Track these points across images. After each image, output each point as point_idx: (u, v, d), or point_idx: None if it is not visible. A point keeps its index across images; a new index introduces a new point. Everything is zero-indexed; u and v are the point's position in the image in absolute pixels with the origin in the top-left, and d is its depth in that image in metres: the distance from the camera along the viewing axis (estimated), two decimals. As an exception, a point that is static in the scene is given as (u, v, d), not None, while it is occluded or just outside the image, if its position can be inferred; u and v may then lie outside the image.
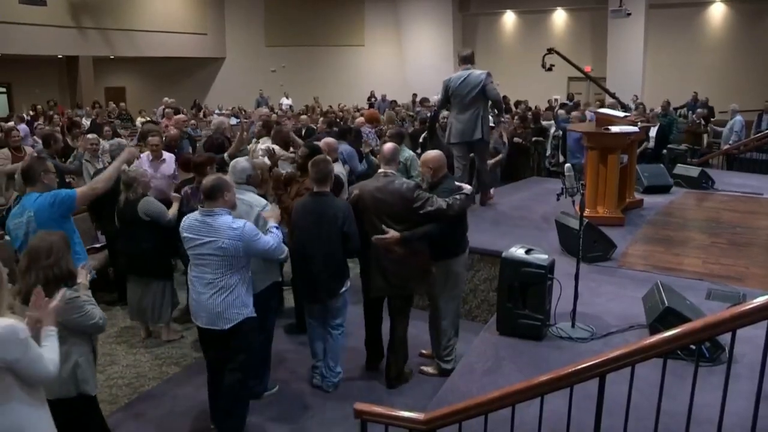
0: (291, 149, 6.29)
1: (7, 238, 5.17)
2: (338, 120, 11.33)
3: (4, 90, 19.53)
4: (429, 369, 4.43)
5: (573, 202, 3.87)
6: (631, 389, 2.27)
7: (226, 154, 5.55)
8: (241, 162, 4.15)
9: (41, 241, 2.79)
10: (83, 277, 2.92)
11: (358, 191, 4.19)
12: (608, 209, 5.87)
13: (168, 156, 6.22)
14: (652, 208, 6.66)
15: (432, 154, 4.29)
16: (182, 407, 4.14)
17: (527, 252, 3.80)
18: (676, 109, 16.07)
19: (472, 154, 6.53)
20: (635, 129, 6.00)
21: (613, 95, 9.96)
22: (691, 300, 3.71)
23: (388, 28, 22.68)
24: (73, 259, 2.99)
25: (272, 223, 3.74)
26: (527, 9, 21.50)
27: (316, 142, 5.61)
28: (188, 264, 3.73)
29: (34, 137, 9.65)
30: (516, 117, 10.78)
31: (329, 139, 5.72)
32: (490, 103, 6.24)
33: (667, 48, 19.19)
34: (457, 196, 3.99)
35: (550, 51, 8.51)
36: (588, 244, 4.54)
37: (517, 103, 15.12)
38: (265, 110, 11.24)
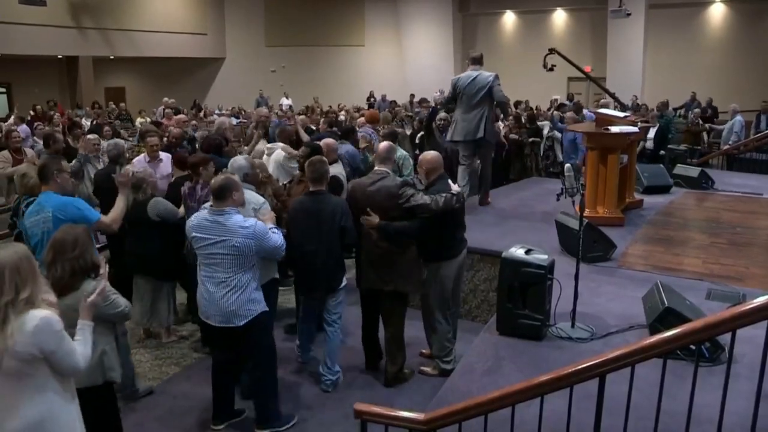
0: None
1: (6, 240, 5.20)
2: (338, 120, 11.31)
3: (3, 90, 19.53)
4: (429, 369, 4.43)
5: (573, 202, 3.87)
6: (631, 389, 2.27)
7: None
8: (239, 160, 4.23)
9: (66, 234, 2.85)
10: (103, 268, 2.99)
11: (351, 187, 4.29)
12: (608, 209, 5.87)
13: (165, 156, 6.22)
14: (652, 208, 6.66)
15: (428, 155, 4.33)
16: (183, 407, 4.14)
17: (527, 252, 3.80)
18: (675, 109, 16.09)
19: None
20: (635, 129, 6.01)
21: (613, 95, 9.97)
22: (691, 300, 3.71)
23: (388, 28, 22.68)
24: None
25: (269, 224, 3.75)
26: (527, 9, 21.50)
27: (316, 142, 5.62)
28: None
29: (34, 138, 9.66)
30: (510, 117, 10.77)
31: (329, 140, 5.74)
32: (495, 104, 6.37)
33: (667, 48, 19.19)
34: (442, 194, 4.00)
35: (552, 51, 8.52)
36: (588, 244, 4.54)
37: (517, 103, 15.11)
38: (264, 110, 11.20)
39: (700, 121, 12.81)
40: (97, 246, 6.01)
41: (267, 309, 3.72)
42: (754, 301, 1.98)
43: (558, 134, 9.73)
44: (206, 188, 4.60)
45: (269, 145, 6.50)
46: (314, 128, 8.75)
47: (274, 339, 3.91)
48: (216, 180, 3.64)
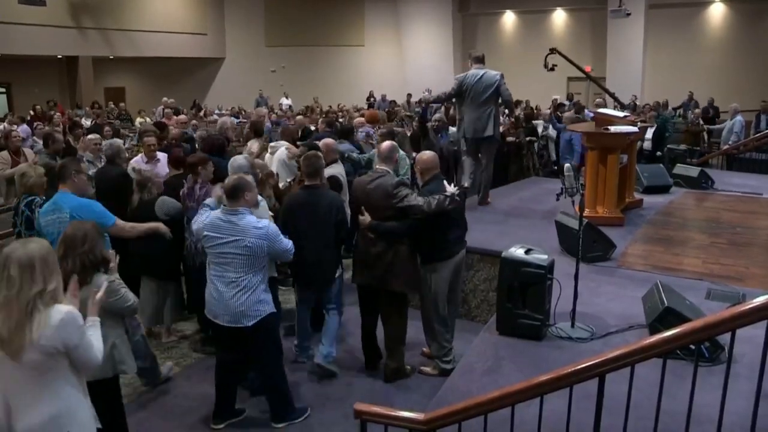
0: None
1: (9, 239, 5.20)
2: (338, 120, 11.31)
3: (3, 90, 19.53)
4: (428, 369, 4.43)
5: (573, 202, 3.87)
6: (630, 389, 2.27)
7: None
8: (239, 159, 4.27)
9: (76, 229, 2.92)
10: (113, 261, 3.03)
11: (353, 185, 4.34)
12: (608, 209, 5.87)
13: (162, 156, 6.23)
14: (652, 208, 6.66)
15: (424, 155, 4.36)
16: (183, 406, 4.14)
17: (527, 252, 3.80)
18: (675, 109, 16.09)
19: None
20: (634, 129, 6.01)
21: (612, 95, 9.98)
22: (691, 300, 3.71)
23: (388, 28, 22.68)
24: None
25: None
26: (527, 9, 21.50)
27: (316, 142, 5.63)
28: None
29: (34, 138, 9.65)
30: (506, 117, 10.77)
31: (328, 140, 5.74)
32: (500, 102, 6.51)
33: (667, 48, 19.20)
34: (436, 196, 4.00)
35: (553, 51, 8.54)
36: (588, 244, 4.54)
37: (517, 103, 15.10)
38: (264, 110, 11.21)
39: (701, 122, 12.81)
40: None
41: (275, 310, 3.76)
42: (754, 301, 1.98)
43: (552, 134, 9.73)
44: (204, 188, 4.62)
45: (272, 144, 6.49)
46: (313, 128, 8.74)
47: (280, 339, 3.96)
48: (229, 180, 3.67)
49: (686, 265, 4.86)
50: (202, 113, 16.57)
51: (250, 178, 3.79)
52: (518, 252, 3.80)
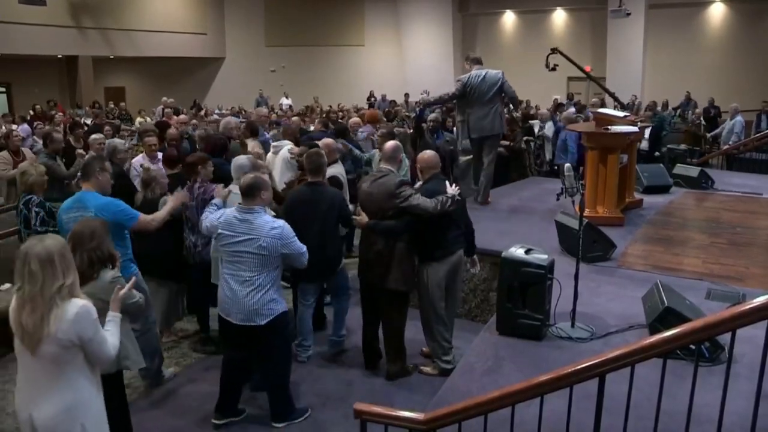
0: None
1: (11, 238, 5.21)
2: (339, 120, 11.30)
3: (3, 90, 19.52)
4: (428, 369, 4.43)
5: (573, 202, 3.87)
6: (630, 389, 2.27)
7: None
8: (240, 159, 4.30)
9: (84, 227, 2.99)
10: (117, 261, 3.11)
11: (359, 184, 4.43)
12: (608, 209, 5.87)
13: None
14: (652, 208, 6.66)
15: (425, 154, 4.38)
16: (183, 405, 4.14)
17: (527, 252, 3.80)
18: (675, 109, 16.09)
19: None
20: (635, 129, 6.01)
21: (613, 95, 9.97)
22: (691, 300, 3.72)
23: (388, 28, 22.68)
24: (124, 266, 3.45)
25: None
26: (527, 9, 21.50)
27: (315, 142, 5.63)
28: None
29: (34, 137, 9.65)
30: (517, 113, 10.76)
31: (329, 140, 5.74)
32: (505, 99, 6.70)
33: (667, 48, 19.19)
34: (440, 198, 4.03)
35: (554, 51, 8.53)
36: (588, 244, 4.54)
37: (519, 103, 15.07)
38: (264, 110, 11.19)
39: (702, 121, 12.79)
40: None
41: (286, 309, 3.79)
42: (754, 301, 1.98)
43: (549, 134, 9.74)
44: (203, 187, 4.63)
45: (275, 144, 6.49)
46: (311, 128, 8.74)
47: (289, 338, 3.99)
48: (246, 178, 3.70)
49: (686, 265, 4.85)
50: (202, 113, 16.58)
51: (266, 176, 3.81)
52: (518, 252, 3.80)
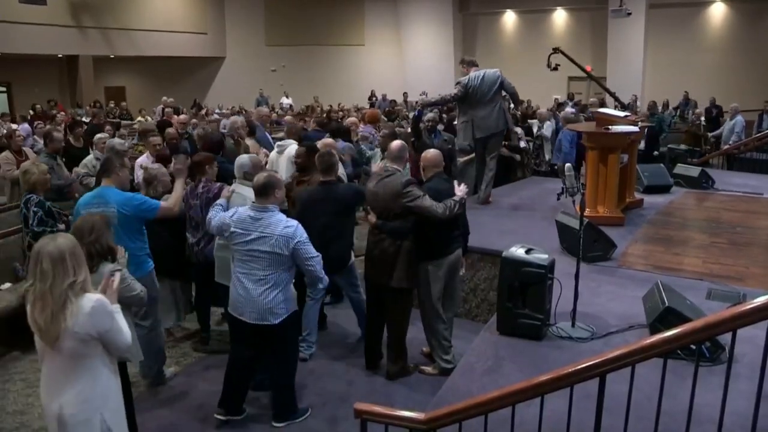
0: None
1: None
2: (339, 120, 11.29)
3: (4, 89, 19.52)
4: (429, 369, 4.43)
5: (573, 201, 3.87)
6: (631, 389, 2.26)
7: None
8: (243, 158, 4.30)
9: (84, 221, 3.06)
10: (123, 255, 3.17)
11: (366, 183, 4.46)
12: (608, 209, 5.87)
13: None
14: (652, 207, 6.66)
15: (429, 153, 4.40)
16: (183, 405, 4.14)
17: (527, 251, 3.80)
18: (675, 108, 16.08)
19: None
20: (635, 129, 6.01)
21: (613, 95, 9.96)
22: (692, 300, 3.71)
23: (388, 27, 22.69)
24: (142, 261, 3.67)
25: None
26: (527, 9, 21.50)
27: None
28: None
29: (34, 137, 9.65)
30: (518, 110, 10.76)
31: (329, 140, 5.74)
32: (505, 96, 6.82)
33: (667, 48, 19.19)
34: (448, 202, 4.05)
35: (556, 50, 8.52)
36: (588, 244, 4.54)
37: (521, 103, 15.06)
38: (266, 110, 11.17)
39: (702, 121, 12.78)
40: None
41: (297, 308, 3.79)
42: (755, 301, 1.98)
43: (547, 134, 9.75)
44: (207, 186, 4.63)
45: (280, 143, 6.49)
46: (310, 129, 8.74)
47: (297, 337, 4.02)
48: (260, 177, 3.69)
49: (687, 265, 4.85)
50: (203, 112, 16.57)
51: (279, 175, 3.82)
52: (519, 252, 3.79)
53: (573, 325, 3.76)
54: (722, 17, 19.07)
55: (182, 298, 5.16)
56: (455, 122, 8.79)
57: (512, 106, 8.69)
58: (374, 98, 20.34)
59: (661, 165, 8.32)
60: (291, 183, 5.37)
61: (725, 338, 2.88)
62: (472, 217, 4.58)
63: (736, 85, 17.35)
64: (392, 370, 4.35)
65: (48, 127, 9.10)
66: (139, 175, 5.80)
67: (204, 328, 5.08)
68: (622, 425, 2.35)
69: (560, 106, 13.25)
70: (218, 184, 4.65)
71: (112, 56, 19.91)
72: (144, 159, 6.24)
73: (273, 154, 6.22)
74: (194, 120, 11.37)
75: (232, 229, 3.63)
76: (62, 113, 13.60)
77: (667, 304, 3.38)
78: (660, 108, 14.01)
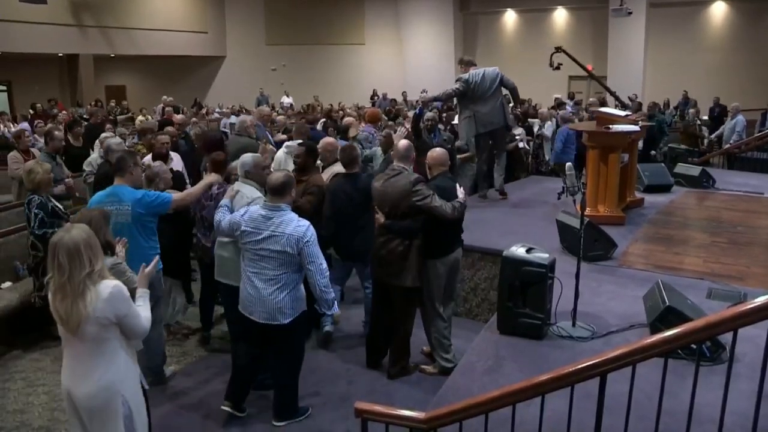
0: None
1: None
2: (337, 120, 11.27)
3: (4, 88, 19.53)
4: (429, 368, 4.43)
5: (574, 201, 3.87)
6: (632, 388, 2.26)
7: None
8: (245, 157, 4.30)
9: (82, 216, 3.15)
10: (121, 249, 3.26)
11: (372, 182, 4.45)
12: (609, 208, 5.86)
13: (175, 155, 6.24)
14: (653, 207, 6.65)
15: (435, 152, 4.43)
16: (183, 404, 4.15)
17: (528, 251, 3.79)
18: (675, 108, 16.06)
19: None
20: (635, 128, 6.00)
21: (614, 94, 9.97)
22: (692, 299, 3.71)
23: (389, 26, 22.68)
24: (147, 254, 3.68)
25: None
26: (528, 8, 21.49)
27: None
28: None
29: (35, 135, 9.63)
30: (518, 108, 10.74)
31: (330, 139, 5.74)
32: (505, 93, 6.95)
33: (668, 47, 19.18)
34: (455, 203, 4.08)
35: (558, 50, 8.53)
36: (589, 243, 4.53)
37: (522, 102, 15.04)
38: (267, 109, 11.15)
39: (698, 121, 12.76)
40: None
41: (305, 308, 3.79)
42: (755, 300, 1.98)
43: (547, 133, 9.75)
44: (222, 187, 4.64)
45: (289, 143, 6.49)
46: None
47: (304, 337, 4.05)
48: (278, 176, 3.68)
49: (687, 265, 4.85)
50: (203, 112, 16.56)
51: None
52: (519, 251, 3.79)
53: (573, 324, 3.75)
54: (723, 16, 19.06)
55: (180, 297, 5.16)
56: (454, 122, 8.81)
57: (512, 104, 8.72)
58: (376, 97, 20.33)
59: (662, 164, 8.32)
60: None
61: (726, 338, 2.88)
62: (472, 216, 4.59)
63: (737, 85, 17.34)
64: (392, 371, 4.36)
65: (50, 125, 9.09)
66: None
67: (206, 327, 5.08)
68: (622, 425, 2.35)
69: (561, 105, 13.23)
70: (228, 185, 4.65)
71: (112, 55, 19.91)
72: (148, 159, 6.25)
73: (280, 152, 6.21)
74: (194, 119, 11.35)
75: (243, 227, 3.62)
76: (64, 112, 13.58)
77: (667, 304, 3.38)
78: (661, 106, 13.98)
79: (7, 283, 5.38)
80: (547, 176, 8.97)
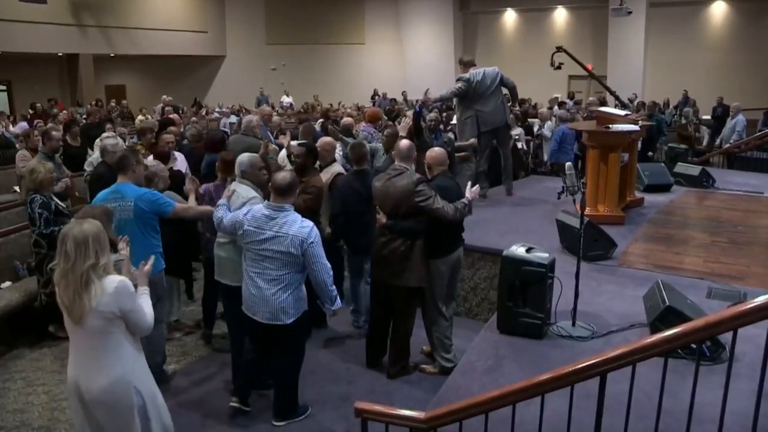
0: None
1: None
2: (335, 119, 11.26)
3: (4, 88, 19.53)
4: (429, 368, 4.43)
5: (574, 200, 3.87)
6: (632, 388, 2.26)
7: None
8: (243, 157, 4.30)
9: (86, 213, 3.17)
10: (123, 247, 3.23)
11: (372, 182, 4.43)
12: (609, 208, 5.86)
13: (179, 155, 6.24)
14: (653, 206, 6.65)
15: (434, 151, 4.42)
16: (183, 404, 4.14)
17: (528, 250, 3.79)
18: (675, 107, 16.05)
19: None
20: (635, 127, 6.00)
21: (614, 93, 9.96)
22: (692, 299, 3.71)
23: (389, 26, 22.68)
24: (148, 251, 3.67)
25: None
26: (528, 7, 21.49)
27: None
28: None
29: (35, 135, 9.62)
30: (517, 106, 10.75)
31: (328, 139, 5.72)
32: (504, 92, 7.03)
33: (668, 47, 19.18)
34: (458, 204, 4.07)
35: (559, 49, 8.52)
36: (588, 243, 4.53)
37: (521, 102, 15.05)
38: (268, 109, 11.13)
39: (695, 120, 12.75)
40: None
41: (307, 308, 3.79)
42: (755, 300, 1.98)
43: (547, 133, 9.75)
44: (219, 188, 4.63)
45: (294, 143, 6.49)
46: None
47: (305, 337, 4.05)
48: (284, 176, 3.67)
49: (687, 264, 4.85)
50: (204, 111, 16.57)
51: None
52: (519, 251, 3.79)
53: (573, 324, 3.75)
54: (723, 16, 19.05)
55: (178, 295, 5.16)
56: (452, 121, 8.81)
57: (510, 103, 8.73)
58: (377, 97, 20.33)
59: (662, 164, 8.31)
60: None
61: (726, 337, 2.88)
62: (472, 215, 4.56)
63: (737, 84, 17.33)
64: (392, 370, 4.36)
65: (50, 125, 9.09)
66: None
67: (208, 325, 5.09)
68: (622, 424, 2.35)
69: (560, 105, 13.23)
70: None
71: (112, 55, 19.90)
72: (151, 159, 6.25)
73: (283, 153, 6.21)
74: (194, 118, 11.36)
75: (246, 227, 3.61)
76: (64, 112, 13.57)
77: (667, 303, 3.38)
78: (661, 106, 13.97)
79: (7, 283, 5.38)
80: (547, 176, 8.97)
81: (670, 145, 10.41)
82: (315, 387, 4.29)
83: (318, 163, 5.24)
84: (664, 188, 7.41)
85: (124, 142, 8.11)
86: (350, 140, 6.54)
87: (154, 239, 4.07)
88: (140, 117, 14.67)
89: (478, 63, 7.08)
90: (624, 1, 17.39)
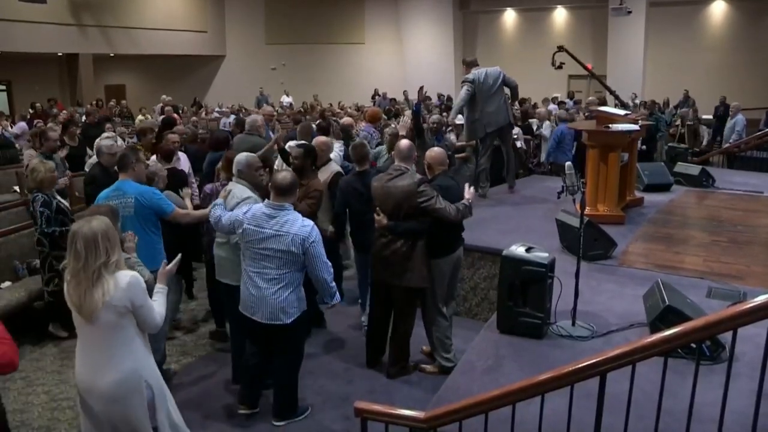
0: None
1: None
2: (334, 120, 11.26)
3: (4, 88, 19.52)
4: (429, 367, 4.43)
5: (573, 200, 3.87)
6: (631, 388, 2.26)
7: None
8: (238, 157, 4.30)
9: (93, 211, 3.17)
10: (131, 242, 3.29)
11: (372, 182, 4.42)
12: (609, 207, 5.86)
13: (182, 155, 6.24)
14: (653, 206, 6.65)
15: (433, 151, 4.42)
16: (185, 402, 4.11)
17: (528, 250, 3.80)
18: (675, 107, 16.05)
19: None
20: (635, 127, 6.00)
21: (614, 93, 9.95)
22: (692, 298, 3.71)
23: (389, 26, 22.67)
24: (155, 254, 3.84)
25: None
26: (528, 7, 21.48)
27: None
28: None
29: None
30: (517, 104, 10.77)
31: (324, 138, 5.71)
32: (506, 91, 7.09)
33: (668, 46, 19.17)
34: (459, 206, 4.08)
35: (561, 49, 8.52)
36: (588, 243, 4.53)
37: (522, 102, 15.04)
38: (269, 109, 11.13)
39: (689, 120, 12.76)
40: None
41: (306, 308, 3.79)
42: (755, 299, 1.98)
43: (546, 133, 9.75)
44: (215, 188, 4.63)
45: (293, 143, 6.48)
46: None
47: (305, 336, 4.06)
48: (285, 176, 3.68)
49: (687, 264, 4.85)
50: (203, 111, 16.56)
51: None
52: (519, 250, 3.79)
53: (573, 323, 3.75)
54: (723, 15, 19.05)
55: (176, 295, 5.15)
56: (458, 122, 8.79)
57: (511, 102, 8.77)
58: (377, 96, 20.32)
59: (662, 163, 8.31)
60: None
61: (726, 337, 2.88)
62: (474, 214, 4.57)
63: (737, 84, 17.33)
64: (392, 370, 4.36)
65: (49, 125, 9.09)
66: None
67: (219, 323, 5.11)
68: (622, 424, 2.35)
69: (560, 105, 13.22)
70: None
71: (112, 54, 19.89)
72: (154, 159, 6.25)
73: (279, 161, 6.20)
74: (194, 118, 11.36)
75: (246, 226, 3.61)
76: (63, 112, 13.56)
77: (667, 303, 3.38)
78: (660, 105, 13.95)
79: (7, 283, 5.38)
80: (547, 175, 8.97)
81: (670, 144, 10.41)
82: (315, 387, 4.29)
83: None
84: (664, 188, 7.41)
85: (124, 142, 8.12)
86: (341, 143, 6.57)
87: (155, 235, 4.10)
88: (140, 117, 14.68)
89: (479, 63, 7.10)
90: (624, 1, 17.40)
